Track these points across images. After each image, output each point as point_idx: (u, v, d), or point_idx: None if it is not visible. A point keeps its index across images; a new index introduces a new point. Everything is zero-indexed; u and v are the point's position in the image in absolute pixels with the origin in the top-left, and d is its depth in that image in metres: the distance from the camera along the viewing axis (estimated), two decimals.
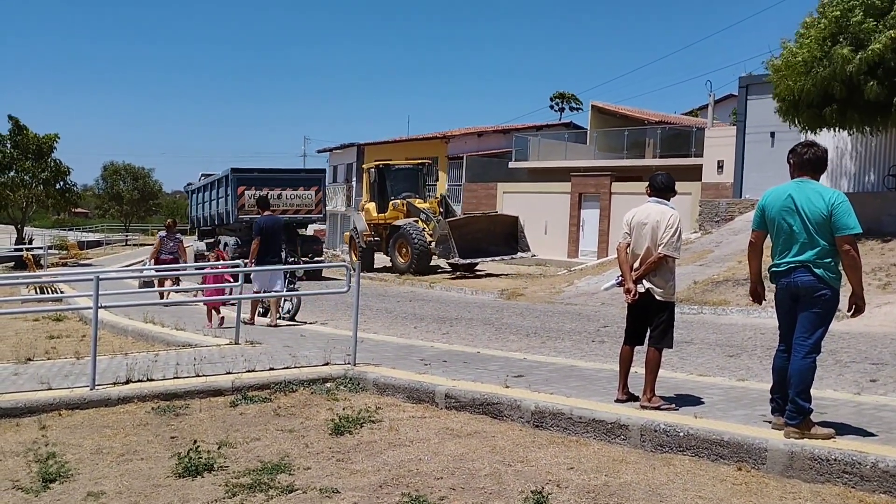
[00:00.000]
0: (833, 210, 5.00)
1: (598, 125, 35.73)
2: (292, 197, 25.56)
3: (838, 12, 16.76)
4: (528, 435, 5.97)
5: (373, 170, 27.17)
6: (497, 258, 24.17)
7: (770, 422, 5.43)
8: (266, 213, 12.82)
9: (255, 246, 12.07)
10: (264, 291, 12.03)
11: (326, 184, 28.49)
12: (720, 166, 25.08)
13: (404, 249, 24.60)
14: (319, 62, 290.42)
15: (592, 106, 36.90)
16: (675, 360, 9.31)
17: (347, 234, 29.35)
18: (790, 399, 5.10)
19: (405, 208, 25.26)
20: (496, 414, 6.45)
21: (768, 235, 5.42)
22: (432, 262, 24.57)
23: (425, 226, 24.33)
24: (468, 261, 23.11)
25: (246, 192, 24.78)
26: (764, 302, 5.63)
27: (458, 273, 24.11)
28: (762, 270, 5.55)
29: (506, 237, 24.44)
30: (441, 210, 25.40)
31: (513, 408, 6.35)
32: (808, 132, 18.22)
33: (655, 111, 40.16)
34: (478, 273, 24.44)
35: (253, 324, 12.14)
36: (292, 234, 24.29)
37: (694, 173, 26.02)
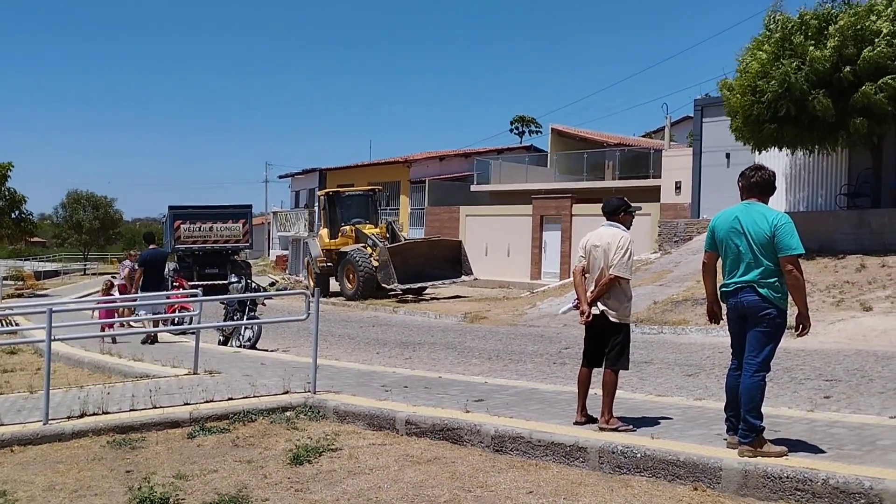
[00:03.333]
0: (776, 231, 5.13)
1: (559, 148, 36.15)
2: (222, 229, 29.34)
3: (779, 35, 17.31)
4: (488, 460, 5.97)
5: (323, 197, 27.55)
6: (439, 282, 24.70)
7: (726, 440, 5.51)
8: (151, 246, 14.76)
9: (139, 275, 13.88)
10: (154, 314, 13.68)
11: (253, 216, 32.47)
12: (678, 187, 25.50)
13: (352, 275, 25.01)
14: (280, 89, 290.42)
15: (552, 129, 37.36)
16: (634, 381, 9.41)
17: (305, 259, 30.48)
18: (742, 417, 5.18)
19: (354, 234, 25.63)
20: (456, 439, 6.44)
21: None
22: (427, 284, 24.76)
23: (372, 251, 24.58)
24: (406, 286, 23.42)
25: (181, 226, 28.82)
26: (721, 321, 5.72)
27: (406, 297, 24.33)
28: (717, 290, 5.66)
29: (449, 261, 24.90)
30: (388, 236, 25.73)
31: (473, 433, 6.35)
32: (760, 151, 18.64)
33: (614, 133, 40.81)
34: (427, 297, 24.75)
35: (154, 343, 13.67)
36: (225, 260, 29.17)
37: (653, 194, 26.42)
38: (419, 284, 24.03)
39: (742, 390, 5.23)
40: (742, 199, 5.50)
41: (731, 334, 5.55)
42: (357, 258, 24.49)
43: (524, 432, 6.07)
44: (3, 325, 17.19)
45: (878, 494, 4.42)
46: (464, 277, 25.15)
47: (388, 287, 23.48)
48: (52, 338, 7.53)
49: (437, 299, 24.19)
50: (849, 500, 4.51)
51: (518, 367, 11.29)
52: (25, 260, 59.93)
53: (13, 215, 35.26)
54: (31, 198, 35.72)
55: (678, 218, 24.22)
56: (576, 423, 6.30)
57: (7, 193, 34.70)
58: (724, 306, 5.61)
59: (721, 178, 22.43)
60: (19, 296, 32.63)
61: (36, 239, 69.12)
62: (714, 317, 5.73)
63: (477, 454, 6.13)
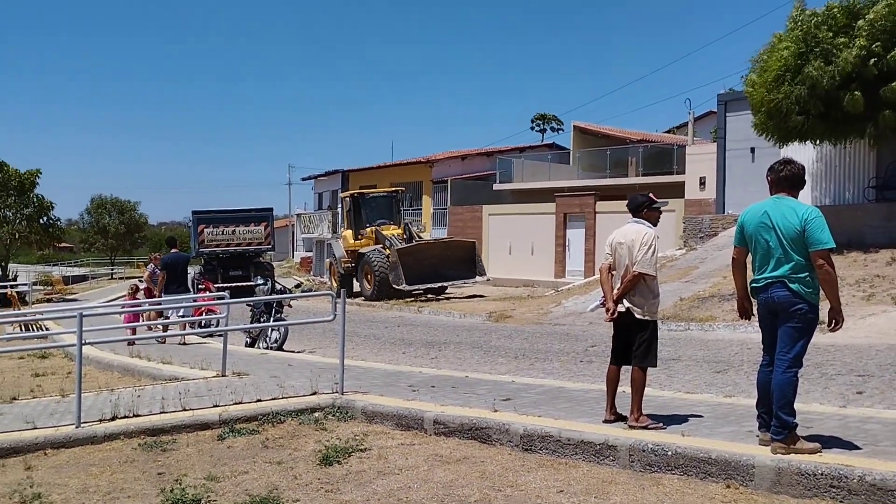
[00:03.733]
0: (806, 225, 5.06)
1: (581, 145, 35.98)
2: (245, 232, 29.91)
3: (802, 30, 17.09)
4: (517, 459, 5.96)
5: (348, 199, 27.71)
6: (450, 283, 24.82)
7: (758, 437, 5.46)
8: (173, 250, 14.92)
9: (162, 278, 14.26)
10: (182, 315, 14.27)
11: (274, 219, 32.77)
12: (702, 183, 25.28)
13: (369, 276, 25.24)
14: (302, 92, 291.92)
15: (574, 126, 37.18)
16: (663, 378, 9.34)
17: (328, 260, 30.97)
18: (774, 414, 5.13)
19: (374, 236, 25.73)
20: (485, 439, 6.43)
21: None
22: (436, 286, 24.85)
23: (389, 252, 24.67)
24: (413, 287, 23.54)
25: (205, 230, 29.52)
26: (752, 317, 5.66)
27: (427, 297, 24.45)
28: (747, 285, 5.60)
29: (464, 261, 24.89)
30: (405, 236, 25.86)
31: (501, 432, 6.34)
32: (784, 145, 18.43)
33: (637, 130, 40.56)
34: (449, 296, 24.87)
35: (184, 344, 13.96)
36: (248, 262, 29.74)
37: (677, 190, 26.21)
38: (427, 285, 24.13)
39: (774, 386, 5.17)
40: (771, 194, 5.44)
41: (761, 330, 5.50)
42: (373, 259, 24.70)
43: (553, 431, 6.05)
44: (34, 329, 17.43)
45: None
46: (477, 278, 25.32)
47: (398, 287, 23.59)
48: (83, 342, 7.62)
49: (460, 299, 24.22)
50: (886, 497, 4.45)
51: (545, 366, 11.25)
52: (54, 265, 60.75)
53: (41, 221, 35.73)
54: (56, 204, 36.10)
55: (703, 214, 24.02)
56: (605, 422, 6.27)
57: (35, 200, 35.17)
58: (754, 302, 5.55)
59: (746, 172, 22.22)
60: (48, 301, 33.08)
61: (63, 244, 69.96)
62: (745, 313, 5.68)
63: (506, 453, 6.12)
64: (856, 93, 16.16)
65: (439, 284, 24.27)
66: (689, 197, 25.44)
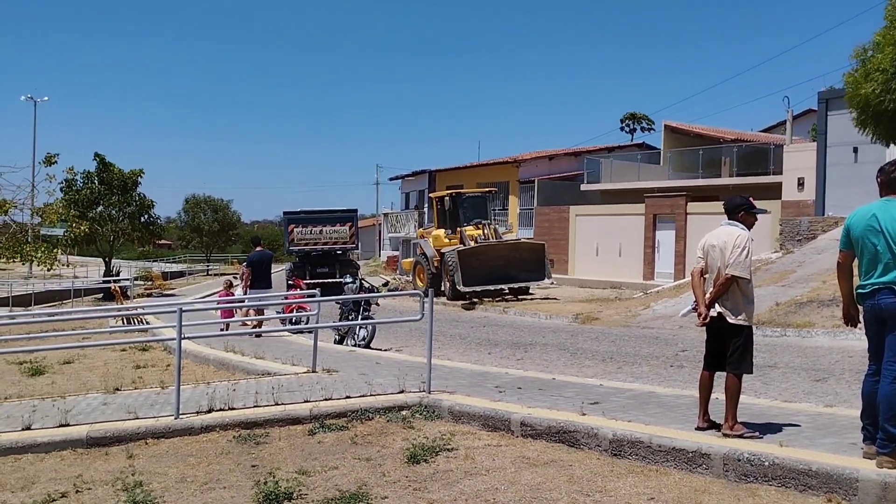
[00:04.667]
0: None
1: (672, 145, 35.20)
2: (331, 232, 31.03)
3: None
4: (606, 464, 5.87)
5: (446, 198, 27.75)
6: (515, 285, 24.58)
7: (862, 449, 5.22)
8: (258, 248, 15.67)
9: (247, 275, 14.99)
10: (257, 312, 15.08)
11: (358, 219, 33.83)
12: (801, 183, 24.37)
13: (447, 276, 25.19)
14: (391, 95, 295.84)
15: (665, 126, 36.41)
16: (758, 386, 9.06)
17: (408, 260, 31.92)
18: (880, 426, 4.89)
19: (459, 236, 25.69)
20: (573, 442, 6.36)
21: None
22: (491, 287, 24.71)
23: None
24: (469, 289, 23.41)
25: (295, 230, 30.77)
26: (859, 324, 5.41)
27: (503, 298, 24.39)
28: (853, 291, 5.37)
29: (532, 263, 24.53)
30: (490, 237, 25.73)
31: (590, 436, 6.26)
32: (890, 144, 17.57)
33: (731, 129, 39.37)
34: (530, 297, 24.61)
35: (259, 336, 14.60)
36: (335, 261, 30.84)
37: (773, 191, 25.36)
38: (483, 287, 23.79)
39: (881, 397, 4.93)
40: (881, 196, 5.19)
41: (868, 338, 5.26)
42: (449, 260, 24.66)
43: (643, 437, 5.93)
44: (135, 323, 18.21)
45: None
46: (546, 281, 25.06)
47: (460, 289, 23.53)
48: (182, 336, 7.91)
49: (543, 300, 24.01)
50: None
51: (633, 370, 11.05)
52: (153, 261, 63.25)
53: (142, 219, 37.25)
54: (156, 202, 37.57)
55: (801, 216, 23.15)
56: (697, 429, 6.11)
57: (137, 199, 36.68)
58: (860, 308, 5.31)
59: (847, 173, 21.32)
60: (148, 295, 34.46)
61: (163, 241, 72.86)
62: (850, 319, 5.44)
63: (594, 458, 6.03)
64: None
65: (483, 287, 23.98)
66: (787, 198, 24.58)
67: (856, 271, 5.32)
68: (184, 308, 8.20)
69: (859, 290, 5.18)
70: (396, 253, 47.02)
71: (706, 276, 6.16)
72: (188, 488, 5.64)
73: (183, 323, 8.01)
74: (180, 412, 7.38)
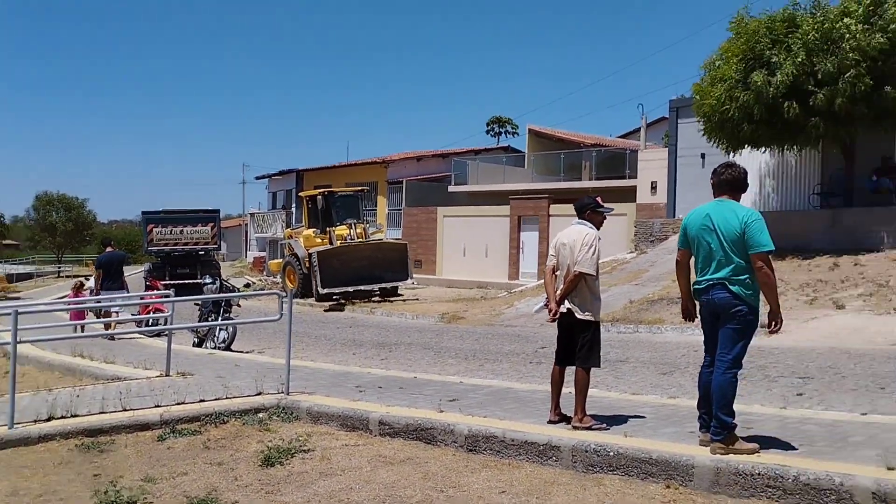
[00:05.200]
0: (746, 228, 5.13)
1: (535, 148, 36.21)
2: (192, 232, 30.87)
3: (745, 39, 17.48)
4: (461, 460, 5.93)
5: (318, 197, 27.33)
6: (378, 286, 24.64)
7: (699, 438, 5.51)
8: (108, 249, 15.55)
9: (97, 276, 14.81)
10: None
11: (220, 219, 33.65)
12: (654, 187, 25.61)
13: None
14: (258, 93, 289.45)
15: (529, 129, 37.41)
16: (609, 380, 9.41)
17: (275, 261, 32.08)
18: (714, 415, 5.18)
19: (328, 236, 25.45)
20: (430, 439, 6.40)
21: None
22: (363, 288, 24.60)
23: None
24: (329, 290, 23.37)
25: (154, 230, 30.47)
26: (696, 319, 5.71)
27: (371, 299, 24.42)
28: (690, 288, 5.66)
29: (395, 263, 24.72)
30: (359, 237, 25.66)
31: (446, 432, 6.31)
32: (732, 152, 18.77)
33: (591, 134, 40.91)
34: (401, 298, 24.80)
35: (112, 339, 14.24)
36: (196, 261, 30.36)
37: (629, 194, 26.51)
38: (343, 289, 23.66)
39: (714, 387, 5.23)
40: (714, 197, 5.51)
41: (704, 332, 5.56)
42: (313, 261, 24.37)
43: (498, 432, 6.04)
44: None
45: (849, 490, 4.44)
46: (408, 281, 25.18)
47: (320, 291, 23.37)
48: (18, 340, 7.39)
49: (409, 301, 24.15)
50: (819, 496, 4.52)
51: (494, 367, 11.26)
52: None
53: None
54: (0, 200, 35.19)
55: (654, 218, 24.33)
56: (549, 422, 6.29)
57: None
58: (698, 304, 5.61)
59: (696, 178, 22.52)
60: None
61: (8, 241, 68.13)
62: (688, 315, 5.73)
63: (450, 454, 6.09)
64: (793, 102, 16.54)
65: (354, 288, 23.85)
66: (641, 201, 25.76)
67: (694, 269, 5.62)
68: (20, 310, 7.66)
69: (696, 286, 5.48)
70: (263, 254, 45.98)
71: (558, 273, 6.35)
72: (20, 501, 5.27)
73: (25, 326, 7.50)
74: (15, 422, 6.89)
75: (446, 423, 6.41)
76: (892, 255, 16.42)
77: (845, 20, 16.38)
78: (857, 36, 16.03)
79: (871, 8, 16.55)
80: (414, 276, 25.88)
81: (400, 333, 16.44)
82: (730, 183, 5.41)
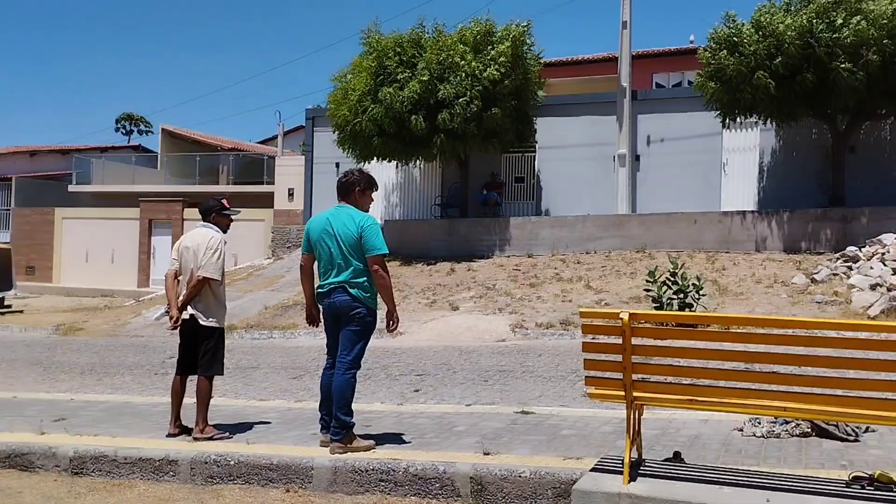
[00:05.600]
0: (363, 232, 5.34)
1: (170, 149, 34.59)
2: None
3: (376, 55, 18.67)
4: (64, 485, 5.34)
5: None
6: None
7: (321, 439, 5.59)
8: None
9: None
10: None
11: None
12: (291, 194, 25.85)
13: None
14: None
15: (163, 129, 35.65)
16: (239, 387, 9.22)
17: None
18: (334, 415, 5.30)
19: None
20: (27, 466, 5.67)
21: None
22: None
23: None
24: None
25: None
26: (320, 323, 5.77)
27: None
28: (314, 292, 5.72)
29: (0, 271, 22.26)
30: None
31: (47, 456, 5.65)
32: (367, 162, 19.72)
33: (230, 138, 40.13)
34: (11, 309, 21.99)
35: None
36: None
37: (267, 200, 26.46)
38: None
39: (334, 388, 5.35)
40: (338, 202, 5.66)
41: (327, 334, 5.67)
42: None
43: (108, 450, 5.56)
44: None
45: (451, 477, 4.81)
46: (10, 292, 22.55)
47: None
48: None
49: (22, 312, 21.58)
50: (426, 485, 4.84)
51: (114, 381, 10.42)
52: None
53: None
54: None
55: (291, 224, 24.56)
56: (169, 436, 5.95)
57: None
58: (321, 308, 5.69)
59: (332, 185, 22.69)
60: None
61: None
62: (312, 319, 5.80)
63: (52, 480, 5.46)
64: (420, 118, 17.97)
65: None
66: (279, 207, 25.84)
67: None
68: None
69: (319, 290, 5.56)
70: None
71: (180, 278, 6.05)
72: None
73: None
74: None
75: (48, 445, 5.74)
76: (498, 262, 18.47)
77: (460, 47, 18.22)
78: (472, 64, 17.92)
79: (480, 36, 18.63)
80: (22, 284, 23.04)
81: (3, 349, 14.51)
82: (342, 188, 5.62)
